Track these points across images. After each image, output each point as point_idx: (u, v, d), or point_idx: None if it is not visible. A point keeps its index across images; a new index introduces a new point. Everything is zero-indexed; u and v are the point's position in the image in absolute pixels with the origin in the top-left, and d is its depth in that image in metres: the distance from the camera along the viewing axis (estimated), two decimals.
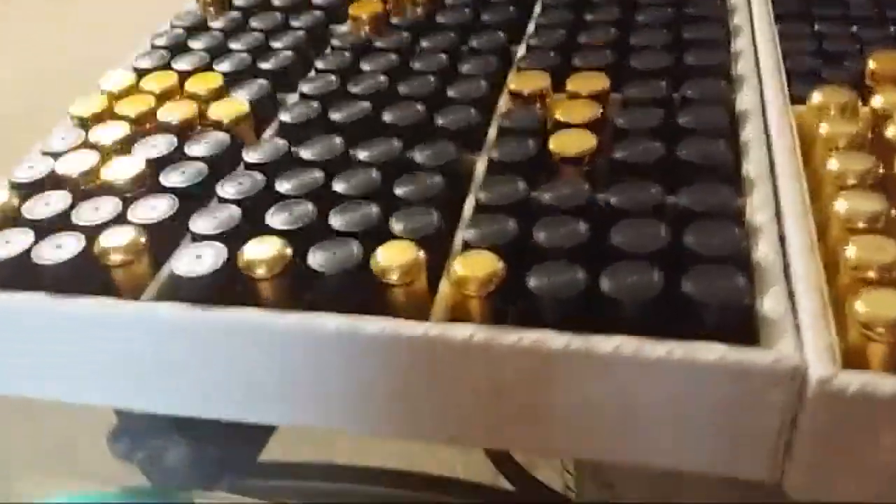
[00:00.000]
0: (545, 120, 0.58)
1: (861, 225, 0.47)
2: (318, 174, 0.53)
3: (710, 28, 0.66)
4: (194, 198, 0.52)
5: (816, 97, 0.57)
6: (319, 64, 0.66)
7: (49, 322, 0.47)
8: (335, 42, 0.69)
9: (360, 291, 0.46)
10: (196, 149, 0.56)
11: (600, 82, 0.60)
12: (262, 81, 0.64)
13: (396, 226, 0.49)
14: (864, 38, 0.66)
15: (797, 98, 0.59)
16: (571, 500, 0.63)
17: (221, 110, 0.60)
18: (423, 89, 0.62)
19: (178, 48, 0.69)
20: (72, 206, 0.51)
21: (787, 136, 0.55)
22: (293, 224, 0.49)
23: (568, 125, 0.56)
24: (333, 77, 0.63)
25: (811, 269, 0.45)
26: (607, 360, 0.42)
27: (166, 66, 0.66)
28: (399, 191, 0.52)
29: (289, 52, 0.68)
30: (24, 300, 0.47)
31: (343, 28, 0.74)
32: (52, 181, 0.54)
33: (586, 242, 0.47)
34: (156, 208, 0.51)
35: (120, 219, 0.50)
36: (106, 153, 0.56)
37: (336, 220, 0.49)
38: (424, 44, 0.68)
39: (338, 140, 0.56)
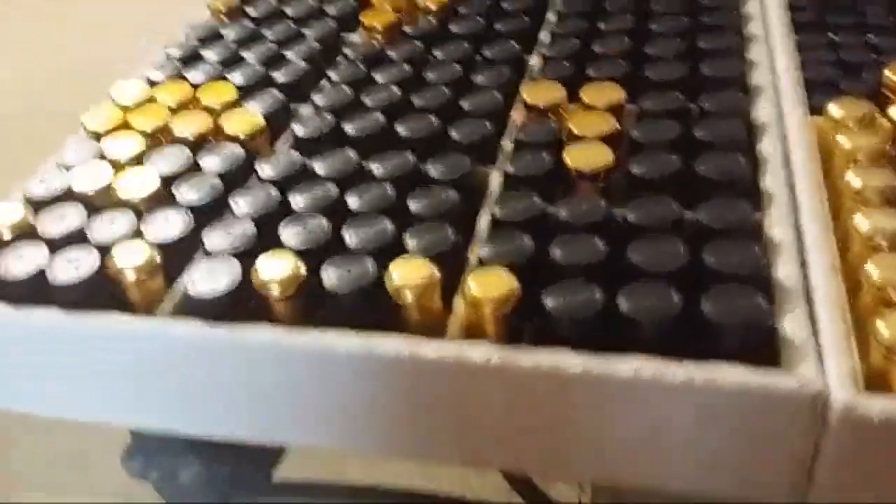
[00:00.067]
0: (560, 132, 0.57)
1: (883, 242, 0.46)
2: (331, 188, 0.53)
3: (725, 37, 0.66)
4: (209, 212, 0.52)
5: (834, 109, 0.57)
6: (332, 74, 0.65)
7: (62, 339, 0.47)
8: (348, 52, 0.69)
9: (375, 309, 0.46)
10: (210, 162, 0.56)
11: (615, 93, 0.59)
12: (275, 92, 0.64)
13: (411, 242, 0.48)
14: (882, 48, 0.65)
15: (815, 109, 0.59)
16: None
17: (236, 123, 0.60)
18: (436, 101, 0.61)
19: (191, 59, 0.69)
20: (88, 222, 0.51)
21: (806, 149, 0.55)
22: (307, 239, 0.49)
23: (583, 138, 0.55)
24: (346, 88, 0.63)
25: (833, 289, 0.44)
26: (626, 382, 0.42)
27: (180, 77, 0.66)
28: (413, 206, 0.51)
29: (302, 63, 0.68)
30: (38, 317, 0.47)
31: (356, 37, 0.73)
32: (67, 196, 0.54)
33: (603, 260, 0.46)
34: (170, 223, 0.50)
35: (134, 234, 0.50)
36: (120, 167, 0.56)
37: (350, 236, 0.49)
38: (437, 54, 0.67)
39: (351, 153, 0.56)
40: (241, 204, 0.52)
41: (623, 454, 0.44)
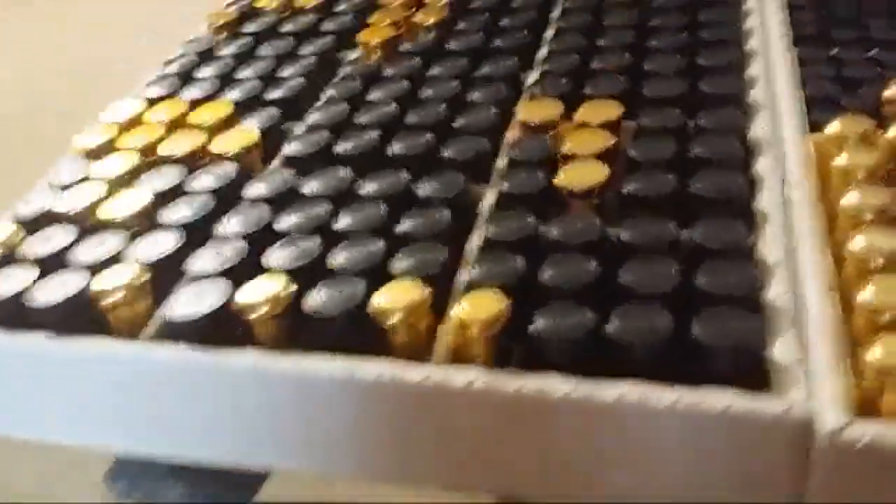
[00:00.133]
0: (556, 150, 0.56)
1: (880, 263, 0.45)
2: (322, 208, 0.52)
3: (725, 53, 0.65)
4: (200, 232, 0.52)
5: (834, 126, 0.56)
6: (328, 92, 0.65)
7: (45, 362, 0.46)
8: (344, 69, 0.68)
9: (364, 331, 0.45)
10: (203, 181, 0.56)
11: (613, 110, 0.59)
12: (271, 110, 0.64)
13: (401, 263, 0.48)
14: (884, 63, 0.64)
15: (815, 125, 0.58)
16: None
17: (230, 140, 0.60)
18: (431, 118, 0.61)
19: (188, 76, 0.69)
20: (75, 242, 0.51)
21: (803, 167, 0.54)
22: (295, 261, 0.48)
23: (578, 157, 0.55)
24: (341, 106, 0.63)
25: (826, 312, 0.43)
26: (612, 407, 0.41)
27: (175, 95, 0.66)
28: (405, 226, 0.51)
29: (299, 80, 0.67)
30: (21, 341, 0.46)
31: (354, 54, 0.73)
32: (56, 216, 0.53)
33: (594, 282, 0.45)
34: (159, 244, 0.50)
35: (122, 256, 0.49)
36: (112, 186, 0.55)
37: (339, 258, 0.48)
38: (434, 71, 0.67)
39: (343, 172, 0.55)
40: (230, 224, 0.51)
41: (610, 478, 0.43)
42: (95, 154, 0.59)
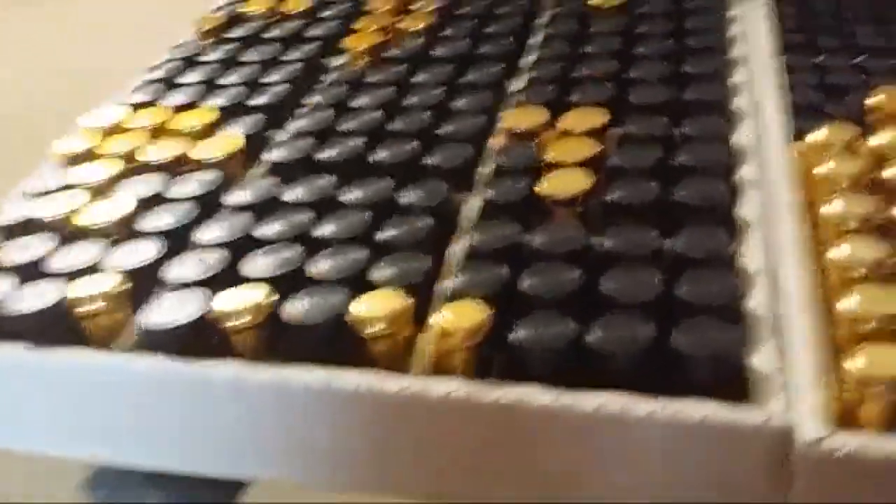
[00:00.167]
0: (540, 158, 0.56)
1: (862, 273, 0.45)
2: (303, 216, 0.52)
3: (711, 61, 0.65)
4: (181, 240, 0.51)
5: (818, 134, 0.56)
6: (313, 98, 0.65)
7: (21, 372, 0.46)
8: (329, 76, 0.68)
9: (343, 341, 0.45)
10: (185, 188, 0.55)
11: (598, 118, 0.59)
12: (255, 116, 0.63)
13: (382, 272, 0.47)
14: (870, 70, 0.64)
15: (800, 133, 0.57)
16: None
17: (214, 147, 0.59)
18: (416, 125, 0.60)
19: (171, 82, 0.68)
20: (54, 251, 0.50)
21: (785, 177, 0.54)
22: (276, 270, 0.48)
23: (563, 165, 0.55)
24: (325, 113, 0.62)
25: (806, 322, 0.43)
26: (592, 418, 0.41)
27: (158, 101, 0.66)
28: (387, 234, 0.50)
29: (284, 86, 0.67)
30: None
31: (339, 60, 0.73)
32: (35, 224, 0.53)
33: (576, 291, 0.45)
34: (136, 253, 0.50)
35: (101, 264, 0.49)
36: (92, 193, 0.55)
37: (320, 266, 0.48)
38: (419, 77, 0.66)
39: (325, 180, 0.55)
40: (211, 231, 0.51)
41: (590, 488, 0.43)
42: (76, 160, 0.59)
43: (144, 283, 0.49)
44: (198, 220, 0.52)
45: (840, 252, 0.46)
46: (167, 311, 0.46)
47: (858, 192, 0.50)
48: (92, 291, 0.47)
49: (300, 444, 0.45)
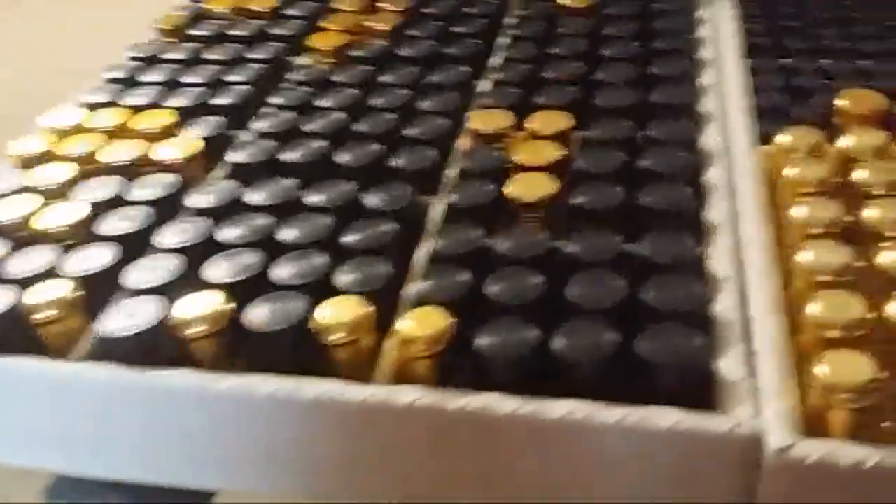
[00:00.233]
0: (506, 161, 0.56)
1: (827, 278, 0.45)
2: (264, 220, 0.51)
3: (677, 63, 0.65)
4: (138, 245, 0.50)
5: (784, 138, 0.56)
6: (274, 99, 0.64)
7: None
8: (292, 76, 0.67)
9: (304, 350, 0.44)
10: (143, 192, 0.54)
11: (563, 121, 0.58)
12: (216, 118, 0.62)
13: (344, 278, 0.47)
14: (835, 73, 0.64)
15: (766, 136, 0.57)
16: None
17: (173, 149, 0.58)
18: (380, 127, 0.60)
19: (131, 82, 0.67)
20: (8, 255, 0.49)
21: (752, 179, 0.53)
22: (236, 275, 0.47)
23: (528, 168, 0.54)
24: (288, 114, 0.61)
25: (773, 328, 0.43)
26: (558, 425, 0.40)
27: (117, 102, 0.64)
28: (349, 238, 0.50)
29: (246, 87, 0.66)
30: None
31: (303, 60, 0.72)
32: None
33: (540, 297, 0.44)
34: (93, 258, 0.48)
35: (54, 270, 0.48)
36: (47, 197, 0.54)
37: (280, 272, 0.47)
38: (384, 78, 0.66)
39: (287, 183, 0.54)
40: (169, 236, 0.50)
41: (558, 495, 0.42)
42: (31, 162, 0.57)
43: (102, 289, 0.48)
44: (157, 224, 0.51)
45: (806, 256, 0.46)
46: (125, 318, 0.45)
47: (824, 196, 0.50)
48: (48, 298, 0.46)
49: (264, 452, 0.44)
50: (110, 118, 0.61)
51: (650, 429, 0.39)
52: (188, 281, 0.47)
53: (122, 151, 0.58)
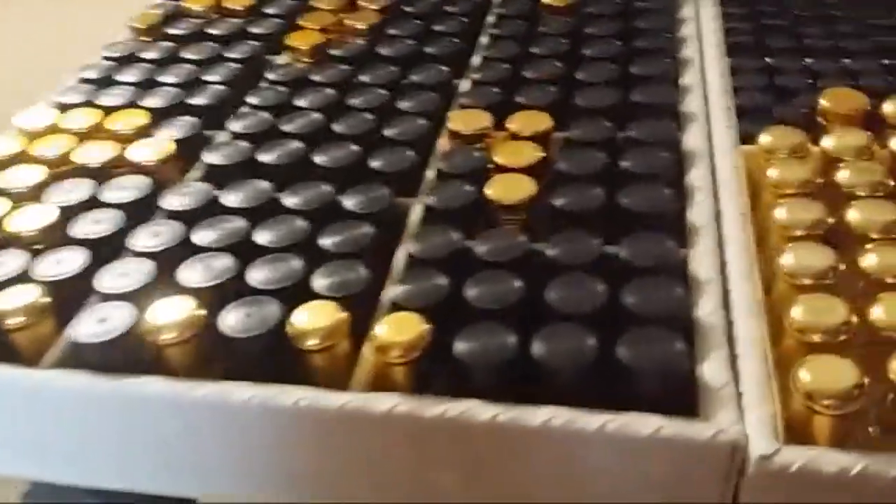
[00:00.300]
0: (485, 162, 0.55)
1: (809, 281, 0.44)
2: (239, 223, 0.50)
3: (659, 63, 0.64)
4: (111, 249, 0.49)
5: (766, 138, 0.55)
6: (251, 99, 0.63)
7: None
8: (270, 75, 0.66)
9: (279, 356, 0.43)
10: (115, 194, 0.53)
11: (543, 121, 0.57)
12: (191, 118, 0.61)
13: (320, 282, 0.46)
14: (818, 72, 0.64)
15: (748, 136, 0.57)
16: None
17: (147, 150, 0.57)
18: (359, 128, 0.59)
19: (105, 82, 0.66)
20: None
21: (734, 180, 0.53)
22: (210, 280, 0.46)
23: (508, 169, 0.53)
24: (265, 114, 0.60)
25: (755, 333, 0.43)
26: (538, 432, 0.39)
27: (91, 102, 0.63)
28: (327, 242, 0.49)
29: (221, 86, 0.65)
30: None
31: (281, 59, 0.71)
32: None
33: (520, 302, 0.44)
34: (65, 262, 0.47)
35: (26, 275, 0.47)
36: (19, 200, 0.52)
37: (257, 276, 0.46)
38: (363, 78, 0.65)
39: (263, 185, 0.53)
40: (142, 240, 0.49)
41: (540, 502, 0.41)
42: (4, 164, 0.56)
43: (74, 294, 0.47)
44: (130, 228, 0.50)
45: (788, 259, 0.45)
46: (97, 324, 0.44)
47: (807, 198, 0.50)
48: (18, 304, 0.45)
49: (241, 460, 0.43)
50: (84, 119, 0.60)
51: (632, 435, 0.39)
52: (162, 285, 0.46)
53: (96, 153, 0.57)
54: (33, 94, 0.65)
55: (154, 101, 0.63)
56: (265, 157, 0.56)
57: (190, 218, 0.50)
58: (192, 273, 0.46)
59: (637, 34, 0.68)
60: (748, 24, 0.71)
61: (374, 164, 0.55)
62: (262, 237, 0.49)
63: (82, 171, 0.55)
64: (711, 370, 0.41)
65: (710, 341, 0.43)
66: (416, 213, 0.53)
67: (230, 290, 0.45)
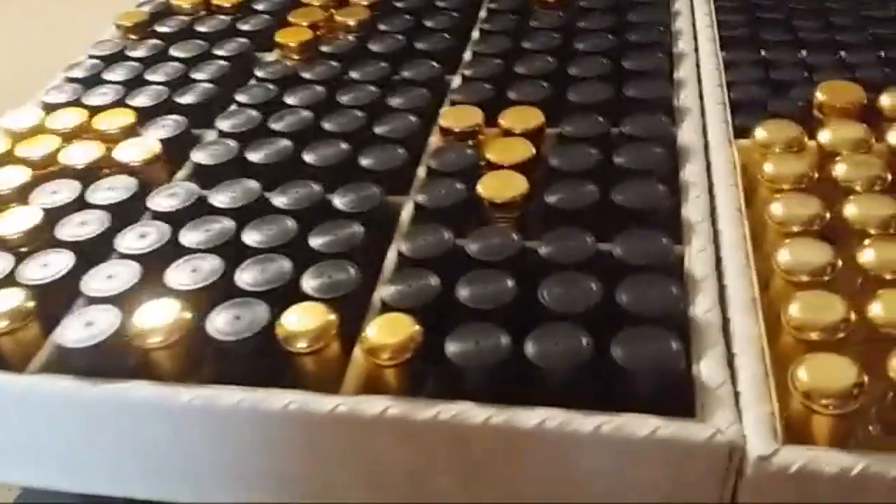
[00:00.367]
0: (477, 160, 0.54)
1: (806, 278, 0.44)
2: (228, 224, 0.49)
3: (653, 57, 0.63)
4: (98, 251, 0.48)
5: (761, 132, 0.54)
6: (240, 97, 0.62)
7: None
8: (259, 73, 0.65)
9: (269, 359, 0.42)
10: (100, 195, 0.52)
11: (535, 118, 0.57)
12: (178, 117, 0.60)
13: (309, 283, 0.45)
14: (813, 65, 0.63)
15: (743, 131, 0.56)
16: None
17: (132, 150, 0.56)
18: (349, 125, 0.58)
19: (92, 81, 0.65)
20: None
21: (728, 176, 0.52)
22: (198, 282, 0.45)
23: (500, 166, 0.53)
24: (254, 112, 0.60)
25: (752, 331, 0.42)
26: (532, 434, 0.39)
27: (77, 102, 0.62)
28: (317, 242, 0.48)
29: (209, 85, 0.64)
30: None
31: (270, 56, 0.70)
32: None
33: (513, 301, 0.43)
34: (49, 266, 0.47)
35: (10, 278, 0.46)
36: (1, 202, 0.52)
37: (244, 278, 0.45)
38: (354, 75, 0.64)
39: (252, 184, 0.52)
40: (128, 242, 0.48)
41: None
42: None
43: (60, 297, 0.46)
44: (116, 229, 0.49)
45: (785, 256, 0.44)
46: (84, 327, 0.43)
47: (804, 193, 0.49)
48: (3, 308, 0.44)
49: (230, 464, 0.42)
50: (70, 119, 0.59)
51: (627, 437, 0.38)
52: (149, 288, 0.45)
53: (82, 153, 0.56)
54: (27, 93, 0.64)
55: (141, 99, 0.62)
56: (254, 156, 0.55)
57: (177, 219, 0.50)
58: (179, 275, 0.46)
59: (630, 28, 0.67)
60: (742, 17, 0.70)
61: (365, 162, 0.54)
62: (250, 238, 0.48)
63: (68, 172, 0.54)
64: (708, 369, 0.40)
65: (706, 340, 0.42)
66: (407, 211, 0.52)
67: (219, 292, 0.45)
